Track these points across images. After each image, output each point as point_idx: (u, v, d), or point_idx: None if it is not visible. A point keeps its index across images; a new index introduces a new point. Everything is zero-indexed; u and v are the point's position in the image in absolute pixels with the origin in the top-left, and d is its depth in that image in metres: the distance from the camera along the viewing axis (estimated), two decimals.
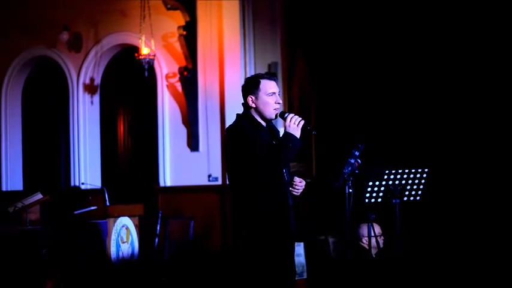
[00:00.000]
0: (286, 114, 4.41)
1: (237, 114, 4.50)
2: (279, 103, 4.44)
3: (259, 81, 4.42)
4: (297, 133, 4.32)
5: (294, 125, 4.33)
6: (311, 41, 9.65)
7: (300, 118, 4.36)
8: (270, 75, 4.54)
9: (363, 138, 5.21)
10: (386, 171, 5.43)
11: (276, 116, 4.45)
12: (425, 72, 8.57)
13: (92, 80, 10.66)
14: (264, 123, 4.45)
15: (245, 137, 4.29)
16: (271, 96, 4.41)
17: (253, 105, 4.42)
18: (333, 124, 8.97)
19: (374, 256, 5.91)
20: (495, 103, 8.20)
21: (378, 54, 8.83)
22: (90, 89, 10.67)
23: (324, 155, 9.44)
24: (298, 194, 4.50)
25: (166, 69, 10.05)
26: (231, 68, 9.48)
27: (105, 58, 10.67)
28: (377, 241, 5.77)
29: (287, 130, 4.33)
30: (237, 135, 4.34)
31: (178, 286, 8.04)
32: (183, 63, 9.74)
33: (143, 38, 9.59)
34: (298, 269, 6.62)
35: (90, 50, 10.60)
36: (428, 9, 8.55)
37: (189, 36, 9.63)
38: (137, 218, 7.73)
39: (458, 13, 8.32)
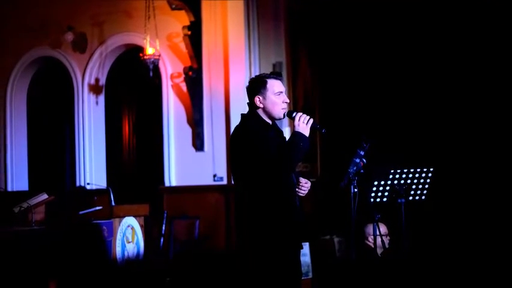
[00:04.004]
0: (294, 114, 4.38)
1: (242, 115, 4.47)
2: (286, 102, 4.42)
3: (266, 81, 4.39)
4: (306, 132, 4.30)
5: (303, 123, 4.31)
6: (315, 41, 9.65)
7: (309, 117, 4.34)
8: (276, 75, 4.52)
9: (368, 137, 5.21)
10: (392, 171, 5.43)
11: (284, 115, 4.43)
12: (430, 71, 8.57)
13: (96, 80, 10.66)
14: (271, 123, 4.44)
15: (255, 138, 4.26)
16: (278, 96, 4.38)
17: (261, 106, 4.39)
18: (338, 123, 8.97)
19: (379, 256, 5.90)
20: (498, 103, 8.20)
21: (382, 53, 8.82)
22: (95, 89, 10.67)
23: (329, 154, 9.43)
24: (304, 194, 4.48)
25: (171, 69, 10.05)
26: (235, 68, 9.48)
27: (110, 58, 10.68)
28: (382, 241, 5.76)
29: (296, 129, 4.31)
30: (246, 136, 4.30)
31: (183, 286, 8.04)
32: (188, 63, 9.74)
33: (148, 38, 9.59)
34: (303, 269, 6.61)
35: (95, 51, 10.61)
36: (431, 10, 8.54)
37: (194, 36, 9.63)
38: (142, 218, 7.73)
39: (459, 14, 8.31)
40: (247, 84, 4.46)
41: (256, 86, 4.40)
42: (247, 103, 4.46)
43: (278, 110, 4.39)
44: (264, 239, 4.24)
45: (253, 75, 4.76)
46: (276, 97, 4.38)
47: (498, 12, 8.14)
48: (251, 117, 4.42)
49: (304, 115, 4.34)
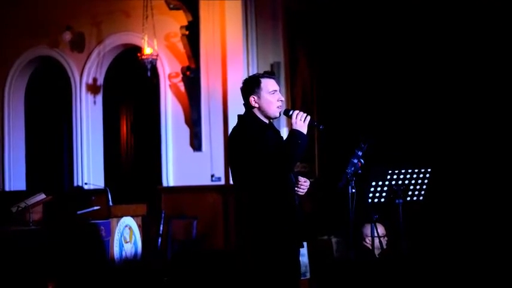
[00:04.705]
0: (291, 112, 4.39)
1: (239, 116, 4.48)
2: (281, 100, 4.43)
3: (260, 81, 4.40)
4: (304, 129, 4.30)
5: (301, 121, 4.31)
6: (314, 41, 9.65)
7: (306, 114, 4.34)
8: (269, 74, 4.53)
9: (366, 137, 5.21)
10: (390, 171, 5.43)
11: (280, 113, 4.44)
12: (428, 71, 8.57)
13: (94, 80, 10.66)
14: (267, 122, 4.44)
15: (253, 138, 4.26)
16: (273, 94, 4.39)
17: (256, 105, 4.40)
18: (336, 123, 8.96)
19: (377, 256, 5.91)
20: (497, 103, 8.20)
21: (380, 53, 8.82)
22: (93, 89, 10.67)
23: (327, 154, 9.43)
24: (303, 193, 4.49)
25: (169, 69, 10.05)
26: (233, 68, 9.48)
27: (108, 58, 10.67)
28: (380, 242, 5.76)
29: (294, 127, 4.31)
30: (244, 136, 4.31)
31: (181, 286, 8.04)
32: (186, 63, 9.73)
33: (146, 38, 9.59)
34: (301, 269, 6.61)
35: (92, 50, 10.60)
36: (431, 9, 8.54)
37: (192, 36, 9.63)
38: (140, 218, 7.73)
39: (459, 13, 8.31)
40: (242, 85, 4.47)
41: (250, 86, 4.41)
42: (243, 104, 4.46)
43: (273, 109, 4.40)
44: (264, 238, 4.24)
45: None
46: (271, 96, 4.39)
47: (498, 12, 8.14)
48: (248, 117, 4.42)
49: (302, 113, 4.35)
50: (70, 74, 10.74)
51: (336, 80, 9.39)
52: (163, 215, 8.89)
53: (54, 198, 7.23)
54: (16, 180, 11.16)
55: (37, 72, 11.31)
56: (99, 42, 10.55)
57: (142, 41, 9.63)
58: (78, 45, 10.68)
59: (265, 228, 4.24)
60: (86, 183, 10.12)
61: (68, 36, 10.54)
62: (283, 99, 4.45)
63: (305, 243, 7.21)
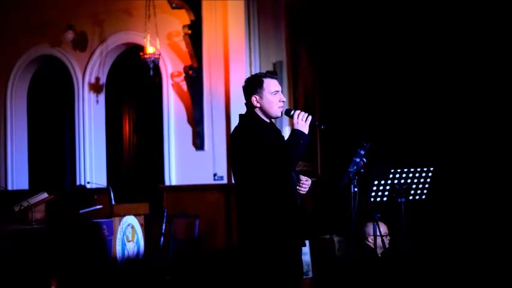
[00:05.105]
0: (292, 112, 4.40)
1: (240, 115, 4.48)
2: (283, 101, 4.43)
3: (263, 81, 4.40)
4: (306, 129, 4.31)
5: (302, 121, 4.32)
6: (316, 40, 9.65)
7: (307, 114, 4.35)
8: (272, 74, 4.53)
9: (368, 137, 5.21)
10: (392, 170, 5.43)
11: (282, 114, 4.44)
12: (431, 70, 8.56)
13: (97, 79, 10.66)
14: (268, 122, 4.44)
15: (254, 138, 4.27)
16: (275, 95, 4.40)
17: (258, 105, 4.40)
18: (338, 123, 8.96)
19: (379, 255, 5.90)
20: (498, 102, 8.20)
21: (382, 52, 8.82)
22: (95, 88, 10.67)
23: (329, 154, 9.43)
24: (305, 192, 4.49)
25: (171, 68, 10.05)
26: (236, 67, 9.48)
27: (110, 57, 10.67)
28: (382, 241, 5.76)
29: (295, 127, 4.32)
30: (245, 136, 4.31)
31: (183, 285, 8.05)
32: (188, 62, 9.74)
33: (148, 37, 9.60)
34: (303, 268, 6.61)
35: (95, 49, 10.61)
36: (432, 9, 8.54)
37: (194, 35, 9.63)
38: (142, 217, 7.75)
39: (459, 13, 8.30)
40: (244, 84, 4.47)
41: (252, 86, 4.41)
42: (245, 103, 4.47)
43: (275, 109, 4.40)
44: (265, 237, 4.24)
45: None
46: (273, 96, 4.39)
47: (498, 12, 8.14)
48: (249, 116, 4.43)
49: (303, 113, 4.35)
50: (72, 73, 10.75)
51: (338, 79, 9.39)
52: (165, 214, 8.89)
53: (57, 197, 7.24)
54: (19, 179, 11.17)
55: (39, 72, 11.32)
56: (102, 41, 10.55)
57: (145, 40, 9.64)
58: (81, 44, 10.69)
59: (267, 227, 4.24)
60: (88, 182, 10.13)
61: (70, 35, 10.54)
62: (284, 99, 4.46)
63: (307, 242, 7.21)
